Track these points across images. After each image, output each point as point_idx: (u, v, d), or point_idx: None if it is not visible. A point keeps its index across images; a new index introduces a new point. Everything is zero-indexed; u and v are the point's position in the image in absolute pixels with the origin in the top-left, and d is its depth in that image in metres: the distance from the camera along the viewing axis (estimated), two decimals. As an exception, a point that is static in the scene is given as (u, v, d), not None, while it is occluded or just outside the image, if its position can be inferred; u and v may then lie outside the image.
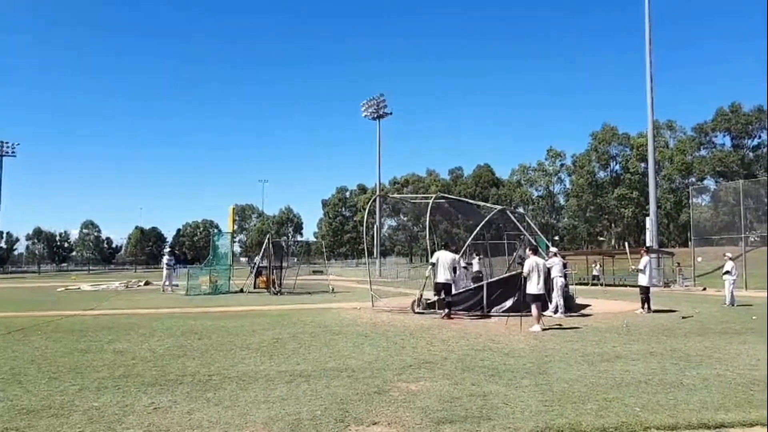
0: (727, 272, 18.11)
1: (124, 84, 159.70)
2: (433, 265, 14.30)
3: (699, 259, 33.53)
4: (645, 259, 16.23)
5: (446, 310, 13.72)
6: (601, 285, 34.09)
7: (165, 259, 27.35)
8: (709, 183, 74.64)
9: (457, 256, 14.90)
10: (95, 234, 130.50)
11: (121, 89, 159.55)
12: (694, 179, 75.66)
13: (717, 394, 6.04)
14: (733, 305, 17.39)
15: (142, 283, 33.50)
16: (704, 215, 53.02)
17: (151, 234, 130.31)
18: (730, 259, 18.56)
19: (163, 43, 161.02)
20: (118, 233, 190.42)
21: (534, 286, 11.81)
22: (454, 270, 14.34)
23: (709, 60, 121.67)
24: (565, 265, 16.26)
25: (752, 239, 38.60)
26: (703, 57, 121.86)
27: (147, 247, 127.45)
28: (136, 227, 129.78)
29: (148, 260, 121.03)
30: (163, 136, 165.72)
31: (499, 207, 18.57)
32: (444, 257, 14.12)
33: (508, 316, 13.09)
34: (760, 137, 75.19)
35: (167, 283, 25.88)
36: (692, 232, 37.24)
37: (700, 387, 6.36)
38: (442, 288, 14.05)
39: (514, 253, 19.63)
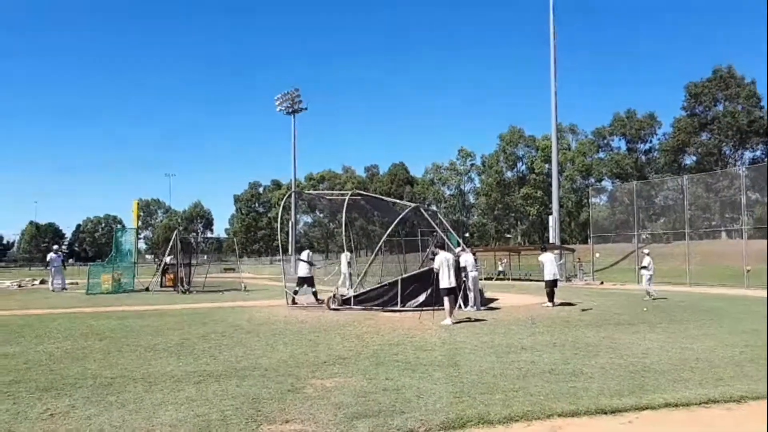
0: (644, 267, 19.21)
1: (22, 73, 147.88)
2: (299, 259, 18.12)
3: (597, 255, 35.72)
4: (548, 255, 17.04)
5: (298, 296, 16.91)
6: (508, 279, 35.72)
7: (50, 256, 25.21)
8: (607, 184, 79.34)
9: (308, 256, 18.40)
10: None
11: (18, 78, 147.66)
12: (593, 180, 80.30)
13: (613, 381, 6.45)
14: (651, 297, 18.23)
15: (37, 282, 31.35)
16: (602, 214, 56.23)
17: (47, 230, 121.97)
18: (647, 254, 19.70)
19: (68, 34, 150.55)
20: (9, 229, 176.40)
21: (446, 280, 12.08)
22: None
23: (609, 66, 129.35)
24: (475, 261, 16.78)
25: (644, 236, 41.52)
26: (604, 62, 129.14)
27: (43, 243, 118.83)
28: (30, 222, 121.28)
29: (43, 258, 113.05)
30: (61, 125, 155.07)
31: (413, 204, 18.86)
32: (302, 258, 17.91)
33: (422, 310, 13.35)
34: (651, 142, 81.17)
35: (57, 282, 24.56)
36: (591, 230, 39.47)
37: (598, 375, 6.76)
38: (303, 281, 17.15)
39: (428, 249, 20.03)
